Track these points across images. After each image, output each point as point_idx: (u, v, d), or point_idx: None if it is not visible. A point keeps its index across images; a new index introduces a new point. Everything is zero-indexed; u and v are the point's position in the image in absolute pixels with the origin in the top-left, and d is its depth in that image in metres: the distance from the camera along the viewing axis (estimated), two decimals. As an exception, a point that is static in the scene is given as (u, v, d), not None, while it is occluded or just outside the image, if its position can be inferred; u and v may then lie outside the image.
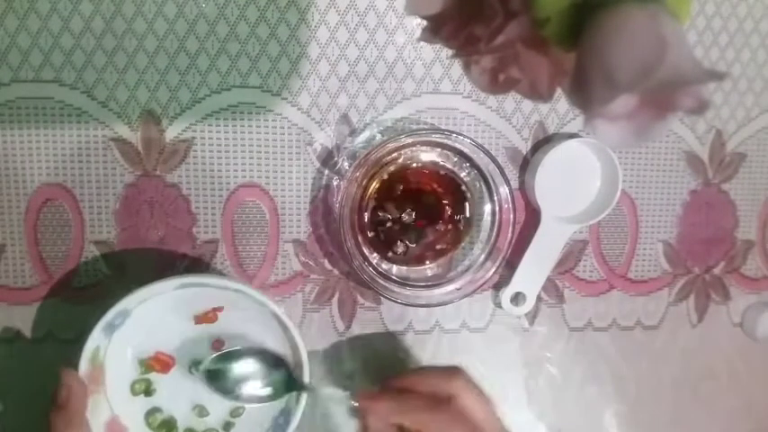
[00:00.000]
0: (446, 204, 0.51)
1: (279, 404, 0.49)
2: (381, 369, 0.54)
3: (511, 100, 0.54)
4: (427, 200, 0.51)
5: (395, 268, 0.51)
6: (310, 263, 0.53)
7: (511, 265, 0.53)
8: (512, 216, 0.50)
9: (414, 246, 0.51)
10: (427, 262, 0.52)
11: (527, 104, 0.54)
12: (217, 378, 0.48)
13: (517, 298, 0.54)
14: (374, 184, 0.49)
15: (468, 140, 0.48)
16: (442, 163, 0.50)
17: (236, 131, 0.50)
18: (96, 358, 0.46)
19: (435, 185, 0.51)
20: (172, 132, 0.50)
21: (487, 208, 0.51)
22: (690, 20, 0.55)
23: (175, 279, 0.45)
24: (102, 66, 0.48)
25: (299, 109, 0.51)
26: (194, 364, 0.48)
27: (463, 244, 0.52)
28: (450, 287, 0.51)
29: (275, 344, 0.49)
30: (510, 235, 0.50)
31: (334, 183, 0.52)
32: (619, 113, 0.23)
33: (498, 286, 0.55)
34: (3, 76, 0.47)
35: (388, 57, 0.51)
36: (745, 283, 0.60)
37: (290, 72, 0.50)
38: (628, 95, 0.22)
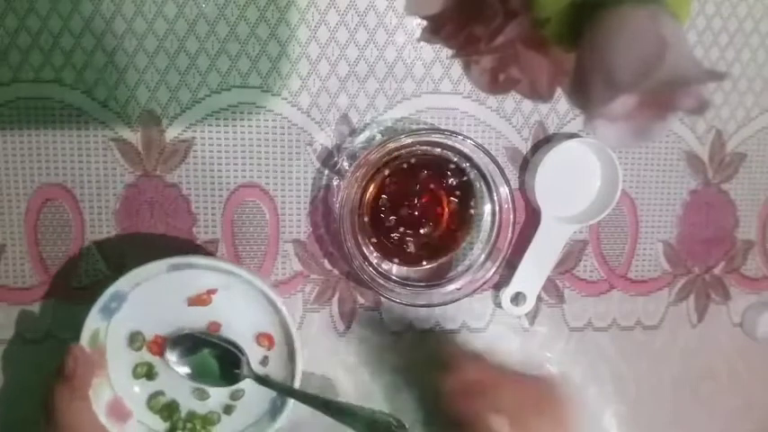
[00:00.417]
0: (446, 204, 0.51)
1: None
2: (381, 369, 0.54)
3: (511, 100, 0.54)
4: (427, 200, 0.51)
5: (395, 268, 0.51)
6: (310, 263, 0.53)
7: (511, 265, 0.53)
8: (512, 216, 0.50)
9: (413, 246, 0.51)
10: (426, 262, 0.52)
11: (527, 104, 0.54)
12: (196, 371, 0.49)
13: (517, 298, 0.54)
14: (374, 185, 0.49)
15: (469, 140, 0.48)
16: (444, 158, 0.50)
17: (236, 131, 0.50)
18: (95, 341, 0.46)
19: (435, 186, 0.51)
20: (172, 132, 0.50)
21: (487, 208, 0.51)
22: (690, 20, 0.55)
23: (166, 260, 0.46)
24: (102, 66, 0.48)
25: (299, 109, 0.51)
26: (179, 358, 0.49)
27: (463, 244, 0.52)
28: (451, 287, 0.51)
29: (268, 326, 0.49)
30: (510, 235, 0.50)
31: (334, 183, 0.52)
32: (619, 113, 0.23)
33: (498, 286, 0.55)
34: (3, 76, 0.47)
35: (388, 57, 0.51)
36: (745, 283, 0.60)
37: (290, 72, 0.50)
38: (628, 95, 0.22)
